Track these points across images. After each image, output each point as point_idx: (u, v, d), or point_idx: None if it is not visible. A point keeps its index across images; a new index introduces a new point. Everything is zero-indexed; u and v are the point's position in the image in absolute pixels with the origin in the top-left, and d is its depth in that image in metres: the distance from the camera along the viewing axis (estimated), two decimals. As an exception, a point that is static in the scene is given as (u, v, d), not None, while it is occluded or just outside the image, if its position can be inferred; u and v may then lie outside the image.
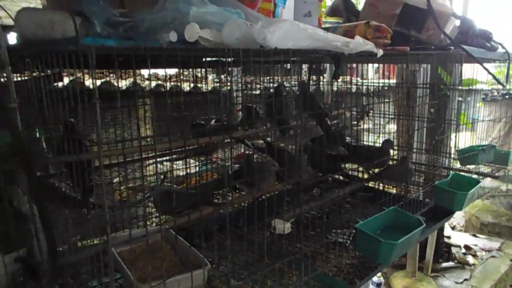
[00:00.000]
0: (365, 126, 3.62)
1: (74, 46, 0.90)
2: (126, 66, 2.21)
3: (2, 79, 1.04)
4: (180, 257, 1.49)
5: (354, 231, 1.81)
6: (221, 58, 1.18)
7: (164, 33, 1.27)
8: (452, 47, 2.06)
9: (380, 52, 1.47)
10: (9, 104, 0.97)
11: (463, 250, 4.92)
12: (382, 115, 2.75)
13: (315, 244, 1.69)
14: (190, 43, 1.25)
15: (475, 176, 2.49)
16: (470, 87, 3.21)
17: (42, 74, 1.31)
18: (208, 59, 2.05)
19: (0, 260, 1.14)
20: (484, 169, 2.87)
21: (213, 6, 1.32)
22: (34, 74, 1.36)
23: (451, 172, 2.42)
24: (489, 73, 2.20)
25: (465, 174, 2.51)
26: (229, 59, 1.27)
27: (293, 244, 1.73)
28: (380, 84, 3.87)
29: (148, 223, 1.84)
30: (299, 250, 1.60)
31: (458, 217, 6.16)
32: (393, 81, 4.66)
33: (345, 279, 1.68)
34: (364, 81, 3.04)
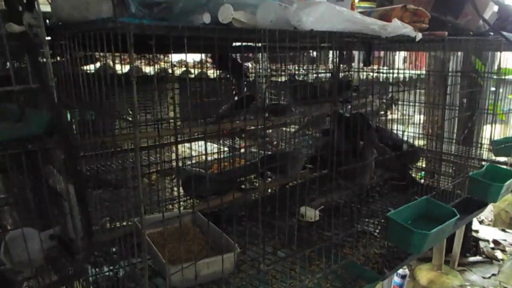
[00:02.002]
0: (393, 116, 3.56)
1: (112, 24, 0.90)
2: (157, 49, 2.19)
3: (40, 59, 1.05)
4: (208, 240, 1.49)
5: (384, 220, 1.77)
6: (255, 42, 1.15)
7: (198, 14, 1.26)
8: (491, 34, 1.98)
9: (419, 36, 1.42)
10: (47, 83, 0.98)
11: (492, 245, 4.81)
12: (409, 104, 2.68)
13: (344, 233, 1.66)
14: (223, 25, 1.23)
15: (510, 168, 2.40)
16: (503, 78, 3.10)
17: (79, 56, 1.32)
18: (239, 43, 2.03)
19: (36, 236, 1.17)
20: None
21: (247, -13, 1.30)
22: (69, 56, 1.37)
23: (483, 163, 2.34)
24: (530, 60, 2.11)
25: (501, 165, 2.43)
26: (263, 43, 1.25)
27: (321, 231, 1.71)
28: (409, 73, 3.78)
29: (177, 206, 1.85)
30: (328, 238, 1.58)
31: (487, 211, 6.00)
32: (421, 71, 4.53)
33: (373, 269, 1.65)
34: (392, 70, 2.97)
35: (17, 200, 1.55)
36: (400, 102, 2.92)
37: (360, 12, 1.78)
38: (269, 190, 2.05)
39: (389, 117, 3.65)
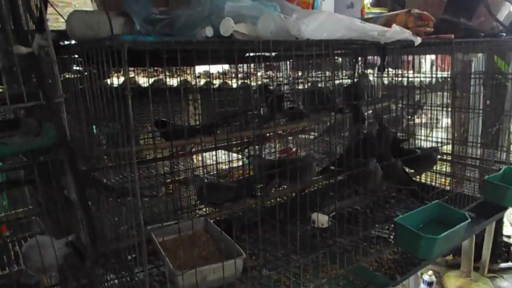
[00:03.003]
0: (419, 120, 3.51)
1: (109, 42, 0.95)
2: (174, 63, 2.26)
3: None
4: (219, 247, 1.52)
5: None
6: (257, 52, 1.19)
7: (201, 28, 1.31)
8: (504, 34, 1.95)
9: (418, 40, 1.42)
10: (55, 99, 1.05)
11: (525, 251, 4.63)
12: (434, 108, 2.65)
13: (351, 238, 1.67)
14: (225, 37, 1.28)
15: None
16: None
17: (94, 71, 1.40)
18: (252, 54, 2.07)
19: (50, 244, 1.23)
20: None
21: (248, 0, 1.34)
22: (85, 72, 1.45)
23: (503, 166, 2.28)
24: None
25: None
26: (270, 53, 1.28)
27: (332, 237, 1.72)
28: (432, 77, 3.72)
29: (191, 214, 1.90)
30: (335, 243, 1.59)
31: (522, 216, 5.80)
32: (446, 73, 4.46)
33: (386, 274, 1.65)
34: (416, 74, 2.94)
35: (42, 210, 1.64)
36: (425, 107, 2.90)
37: (368, 19, 1.80)
38: (281, 197, 2.06)
39: (417, 121, 3.62)
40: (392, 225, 1.90)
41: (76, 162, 1.16)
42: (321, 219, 1.75)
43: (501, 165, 2.37)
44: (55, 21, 1.69)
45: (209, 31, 1.29)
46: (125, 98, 0.90)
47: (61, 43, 1.34)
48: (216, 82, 4.56)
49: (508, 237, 4.87)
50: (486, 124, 3.08)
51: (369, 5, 2.44)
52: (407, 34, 1.35)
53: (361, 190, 1.95)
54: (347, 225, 1.86)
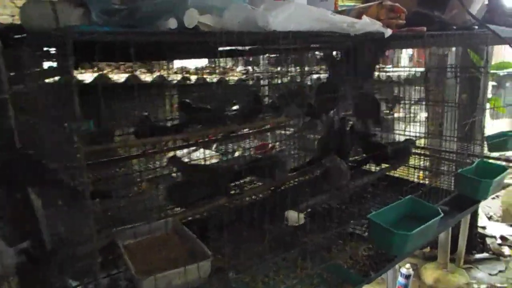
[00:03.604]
0: (398, 115, 3.51)
1: (54, 32, 0.88)
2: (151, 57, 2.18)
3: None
4: (189, 249, 1.47)
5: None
6: (221, 45, 1.13)
7: (165, 20, 1.24)
8: (477, 27, 1.93)
9: (388, 32, 1.38)
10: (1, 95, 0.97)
11: (499, 241, 4.71)
12: (410, 103, 2.64)
13: (325, 235, 1.64)
14: (190, 29, 1.22)
15: (503, 163, 2.34)
16: (504, 71, 3.04)
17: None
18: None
19: (6, 249, 1.15)
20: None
21: (215, -10, 1.28)
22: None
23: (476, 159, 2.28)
24: (519, 53, 2.05)
25: (493, 161, 2.37)
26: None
27: (306, 235, 1.69)
28: (410, 71, 3.74)
29: (162, 214, 1.83)
30: (308, 241, 1.56)
31: (496, 207, 5.90)
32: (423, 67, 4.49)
33: (360, 271, 1.62)
34: (394, 68, 2.93)
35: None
36: (402, 101, 2.89)
37: (341, 11, 1.76)
38: (256, 195, 2.02)
39: (395, 115, 3.62)
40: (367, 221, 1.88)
41: (34, 163, 1.08)
42: (295, 217, 1.71)
43: (475, 158, 2.38)
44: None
45: (172, 23, 1.22)
46: (70, 95, 0.83)
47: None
48: (194, 78, 4.50)
49: (483, 228, 4.95)
50: (461, 117, 3.10)
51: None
52: (377, 26, 1.31)
53: (328, 188, 1.92)
54: (322, 222, 1.84)
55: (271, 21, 1.21)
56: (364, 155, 2.32)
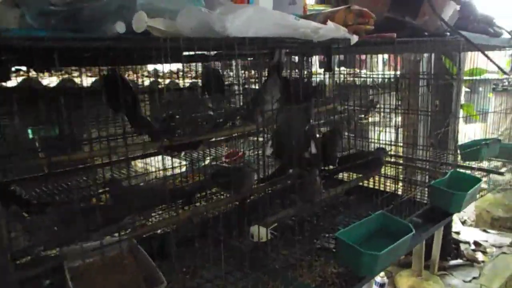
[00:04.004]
0: (372, 119, 3.46)
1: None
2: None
3: None
4: (143, 272, 1.35)
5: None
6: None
7: (112, 23, 1.13)
8: (449, 34, 1.88)
9: (354, 39, 1.31)
10: None
11: (473, 247, 4.73)
12: (383, 110, 2.58)
13: (294, 250, 1.55)
14: (139, 34, 1.11)
15: (477, 173, 2.30)
16: (476, 77, 3.01)
17: None
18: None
19: None
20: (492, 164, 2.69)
21: (167, -9, 1.18)
22: None
23: (448, 170, 2.23)
24: (490, 60, 2.01)
25: (467, 171, 2.33)
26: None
27: (273, 251, 1.59)
28: (384, 76, 3.68)
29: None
30: (274, 259, 1.46)
31: (469, 212, 5.95)
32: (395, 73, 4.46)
33: (329, 291, 1.53)
34: (368, 72, 2.87)
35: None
36: (377, 107, 2.83)
37: (308, 16, 1.67)
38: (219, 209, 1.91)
39: (370, 120, 3.57)
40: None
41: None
42: (261, 232, 1.61)
43: (449, 167, 2.33)
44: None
45: (120, 27, 1.11)
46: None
47: None
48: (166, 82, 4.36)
49: (457, 233, 4.96)
50: (434, 125, 3.06)
51: (314, 2, 2.33)
52: (342, 32, 1.23)
53: (297, 200, 1.83)
54: (290, 236, 1.75)
55: (228, 25, 1.11)
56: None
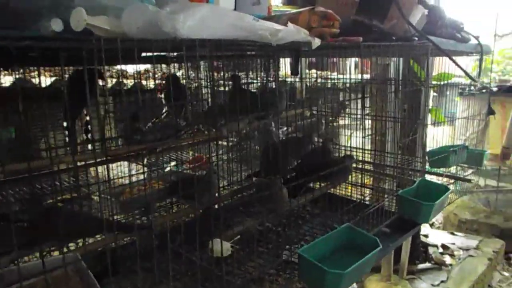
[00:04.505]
0: (343, 122, 3.41)
1: None
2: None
3: None
4: (88, 293, 1.23)
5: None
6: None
7: (47, 20, 1.01)
8: (417, 38, 1.83)
9: (316, 43, 1.23)
10: None
11: (441, 250, 4.75)
12: (352, 115, 2.52)
13: (257, 263, 1.45)
14: (79, 33, 0.99)
15: (445, 179, 2.27)
16: (443, 82, 3.00)
17: None
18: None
19: None
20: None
21: (111, -14, 1.06)
22: None
23: (417, 178, 2.19)
24: (458, 66, 1.98)
25: (435, 177, 2.29)
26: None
27: (235, 265, 1.50)
28: (354, 79, 3.64)
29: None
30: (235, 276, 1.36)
31: (438, 214, 6.01)
32: (365, 76, 4.44)
33: (294, 308, 1.45)
34: (338, 76, 2.81)
35: None
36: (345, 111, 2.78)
37: (271, 17, 1.58)
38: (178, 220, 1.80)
39: (340, 123, 3.52)
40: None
41: None
42: (219, 248, 1.51)
43: (417, 173, 2.29)
44: None
45: (56, 25, 0.99)
46: None
47: None
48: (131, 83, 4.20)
49: (426, 236, 4.98)
50: (402, 131, 3.03)
51: (280, 3, 2.25)
52: (303, 35, 1.14)
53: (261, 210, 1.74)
54: (254, 248, 1.66)
55: (179, 26, 1.00)
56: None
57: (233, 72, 2.06)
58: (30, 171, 1.25)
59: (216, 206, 1.80)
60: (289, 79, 3.27)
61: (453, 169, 2.66)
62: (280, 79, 2.67)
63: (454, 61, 1.93)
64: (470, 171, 2.85)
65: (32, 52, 1.31)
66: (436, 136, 3.02)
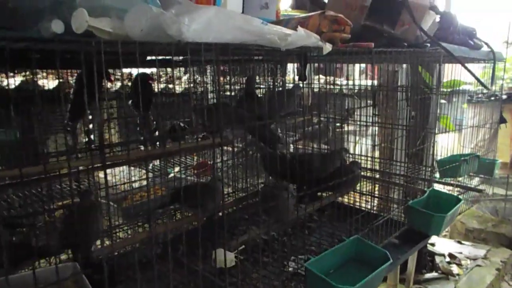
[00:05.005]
0: (348, 128, 3.35)
1: None
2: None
3: None
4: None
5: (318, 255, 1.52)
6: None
7: (48, 21, 0.97)
8: (429, 45, 1.78)
9: (327, 48, 1.18)
10: None
11: (448, 259, 4.67)
12: (360, 121, 2.46)
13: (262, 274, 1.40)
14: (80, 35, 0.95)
15: (457, 189, 2.21)
16: (453, 89, 2.94)
17: None
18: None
19: None
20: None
21: (114, -13, 1.02)
22: None
23: (427, 188, 2.12)
24: (471, 73, 1.93)
25: (445, 187, 2.23)
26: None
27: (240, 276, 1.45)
28: (361, 86, 3.58)
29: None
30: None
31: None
32: (372, 82, 4.39)
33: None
34: (344, 81, 2.76)
35: None
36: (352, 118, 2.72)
37: (279, 21, 1.54)
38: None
39: (345, 129, 3.46)
40: (310, 257, 1.66)
41: None
42: (223, 258, 1.46)
43: (426, 183, 2.23)
44: None
45: (57, 26, 0.95)
46: None
47: None
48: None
49: (432, 245, 4.90)
50: (411, 140, 2.96)
51: (289, 7, 2.20)
52: (313, 39, 1.10)
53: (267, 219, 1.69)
54: (258, 258, 1.60)
55: (184, 29, 0.96)
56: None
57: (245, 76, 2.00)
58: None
59: (220, 214, 1.75)
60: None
61: (460, 178, 2.60)
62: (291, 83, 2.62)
63: (467, 69, 1.87)
64: (476, 179, 2.79)
65: (35, 54, 1.28)
66: (442, 143, 2.96)
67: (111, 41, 0.81)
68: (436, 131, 2.32)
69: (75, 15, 0.94)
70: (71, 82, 2.23)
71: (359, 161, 2.19)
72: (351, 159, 2.39)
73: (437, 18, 2.15)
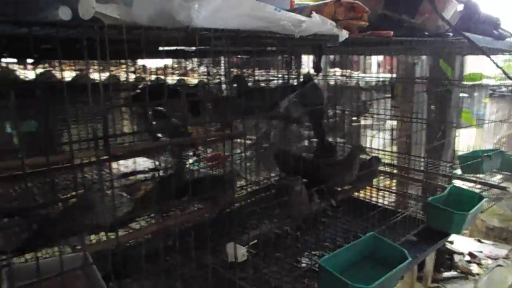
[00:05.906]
0: (365, 122, 3.29)
1: None
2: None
3: None
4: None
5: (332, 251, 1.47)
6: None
7: (55, 9, 0.95)
8: (451, 34, 1.71)
9: (343, 35, 1.13)
10: None
11: (467, 258, 4.56)
12: (376, 115, 2.39)
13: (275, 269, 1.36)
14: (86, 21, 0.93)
15: (478, 186, 2.12)
16: (475, 83, 2.84)
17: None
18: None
19: None
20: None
21: (122, -28, 0.99)
22: None
23: (447, 184, 2.05)
24: (497, 65, 1.84)
25: (466, 183, 2.15)
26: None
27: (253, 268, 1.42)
28: (377, 79, 3.51)
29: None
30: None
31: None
32: (389, 75, 4.29)
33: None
34: (360, 74, 2.70)
35: None
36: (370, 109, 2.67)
37: (294, 9, 1.49)
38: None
39: (362, 123, 3.39)
40: (324, 253, 1.62)
41: None
42: (238, 252, 1.43)
43: (446, 179, 2.15)
44: None
45: (64, 13, 0.93)
46: None
47: None
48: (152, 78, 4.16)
49: (451, 243, 4.79)
50: (431, 134, 2.88)
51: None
52: (329, 26, 1.05)
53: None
54: (271, 253, 1.57)
55: (194, 15, 0.93)
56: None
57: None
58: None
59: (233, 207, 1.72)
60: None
61: (482, 175, 2.51)
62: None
63: (493, 61, 1.79)
64: (498, 176, 2.69)
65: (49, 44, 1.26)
66: (463, 138, 2.87)
67: (115, 25, 0.78)
68: (457, 125, 2.24)
69: (82, 2, 0.91)
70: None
71: (376, 155, 2.12)
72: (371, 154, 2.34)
73: (460, 7, 2.07)
